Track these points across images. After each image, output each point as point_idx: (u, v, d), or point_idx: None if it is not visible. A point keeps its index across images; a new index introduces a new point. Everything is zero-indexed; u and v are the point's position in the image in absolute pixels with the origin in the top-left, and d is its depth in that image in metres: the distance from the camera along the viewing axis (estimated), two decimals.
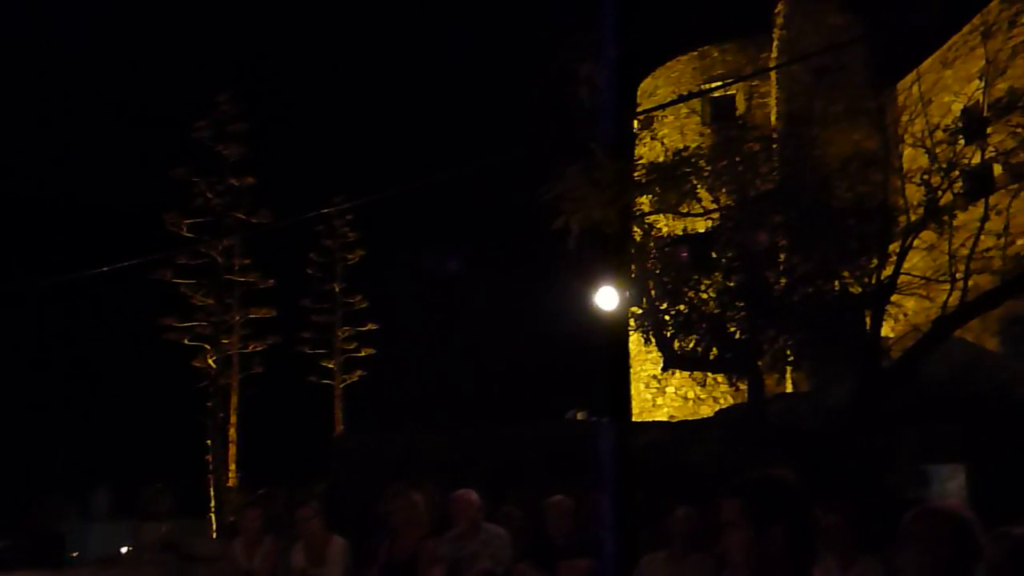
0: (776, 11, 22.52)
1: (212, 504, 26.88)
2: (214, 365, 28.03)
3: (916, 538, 2.65)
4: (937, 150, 10.59)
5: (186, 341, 27.75)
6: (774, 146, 12.86)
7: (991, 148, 11.25)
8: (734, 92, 23.50)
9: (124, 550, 24.84)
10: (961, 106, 13.16)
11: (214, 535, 25.02)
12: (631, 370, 26.07)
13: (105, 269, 8.60)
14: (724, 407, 14.99)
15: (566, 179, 8.42)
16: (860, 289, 10.70)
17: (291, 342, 30.33)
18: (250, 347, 28.71)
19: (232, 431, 28.09)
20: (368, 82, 60.24)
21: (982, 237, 10.64)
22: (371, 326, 31.63)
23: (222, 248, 28.02)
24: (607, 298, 7.92)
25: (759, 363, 10.84)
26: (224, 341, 28.25)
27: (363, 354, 31.77)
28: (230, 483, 27.21)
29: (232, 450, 27.91)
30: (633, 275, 10.11)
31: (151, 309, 27.29)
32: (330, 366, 31.63)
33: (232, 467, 27.79)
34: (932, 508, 2.73)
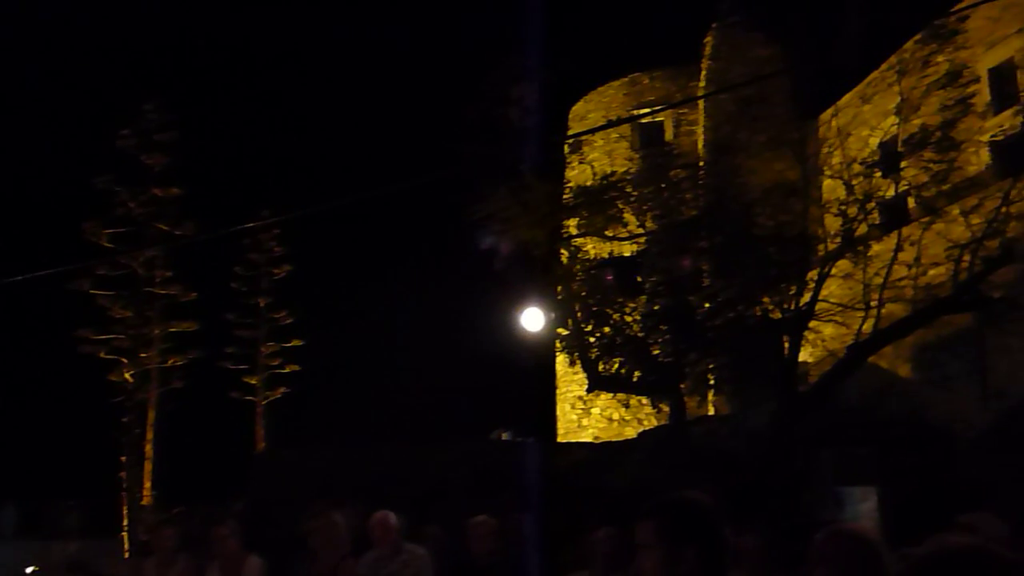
0: (705, 41, 23.10)
1: (125, 523, 26.08)
2: (131, 379, 27.28)
3: (825, 559, 2.74)
4: (854, 182, 10.97)
5: (102, 354, 26.96)
6: (700, 173, 13.15)
7: (905, 182, 11.70)
8: (663, 119, 23.97)
9: (30, 570, 23.89)
10: (878, 141, 13.66)
11: (126, 555, 24.26)
12: (557, 391, 26.20)
13: (20, 278, 8.32)
14: (647, 429, 15.17)
15: (496, 200, 8.47)
16: (780, 315, 10.99)
17: (213, 357, 29.71)
18: (170, 361, 28.03)
19: (148, 447, 27.34)
20: (299, 96, 59.68)
21: (895, 267, 11.05)
22: (296, 342, 31.18)
23: (143, 260, 27.36)
24: (533, 319, 7.98)
25: (681, 386, 11.02)
26: (143, 355, 27.53)
27: (287, 371, 31.29)
28: (145, 501, 26.45)
29: (148, 467, 27.15)
30: (560, 297, 10.20)
31: (67, 320, 26.46)
32: (253, 382, 31.05)
33: (147, 485, 27.02)
34: (840, 530, 2.82)
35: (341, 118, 57.18)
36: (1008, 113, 14.28)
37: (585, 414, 24.19)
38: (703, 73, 23.22)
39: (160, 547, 6.63)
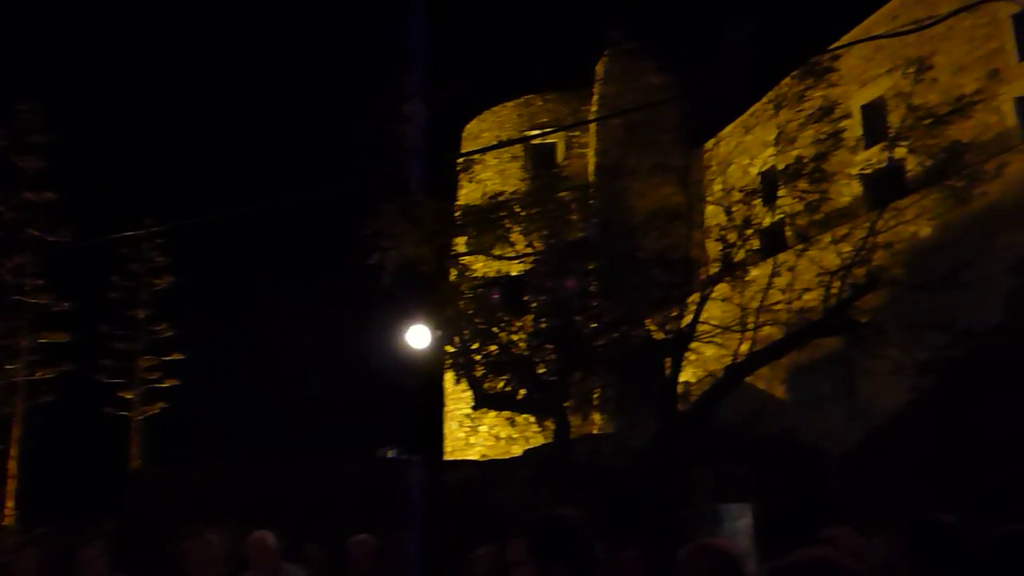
0: (598, 66, 23.62)
1: None
2: None
3: (691, 573, 2.82)
4: (734, 209, 11.39)
5: None
6: (590, 195, 13.39)
7: (781, 210, 12.22)
8: (555, 141, 24.34)
9: None
10: (757, 170, 14.22)
11: None
12: (445, 409, 26.05)
13: None
14: (533, 447, 15.30)
15: (385, 216, 8.43)
16: (663, 336, 11.28)
17: (87, 370, 28.44)
18: (38, 374, 26.68)
19: (12, 464, 25.92)
20: (187, 104, 58.00)
21: (771, 291, 11.51)
22: (176, 356, 30.15)
23: (12, 266, 26.03)
24: (418, 336, 7.96)
25: (566, 404, 11.16)
26: (8, 366, 26.13)
27: (166, 385, 30.20)
28: (7, 521, 25.03)
29: (11, 485, 25.72)
30: (447, 315, 10.22)
31: None
32: (128, 397, 29.85)
33: (10, 504, 25.59)
34: (703, 545, 2.92)
35: (231, 128, 55.89)
36: (877, 148, 15.09)
37: (473, 432, 24.20)
38: (595, 97, 23.74)
39: (21, 570, 6.29)
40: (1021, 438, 7.22)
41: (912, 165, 12.81)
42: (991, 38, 17.75)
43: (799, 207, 11.73)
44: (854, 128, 18.50)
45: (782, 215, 12.36)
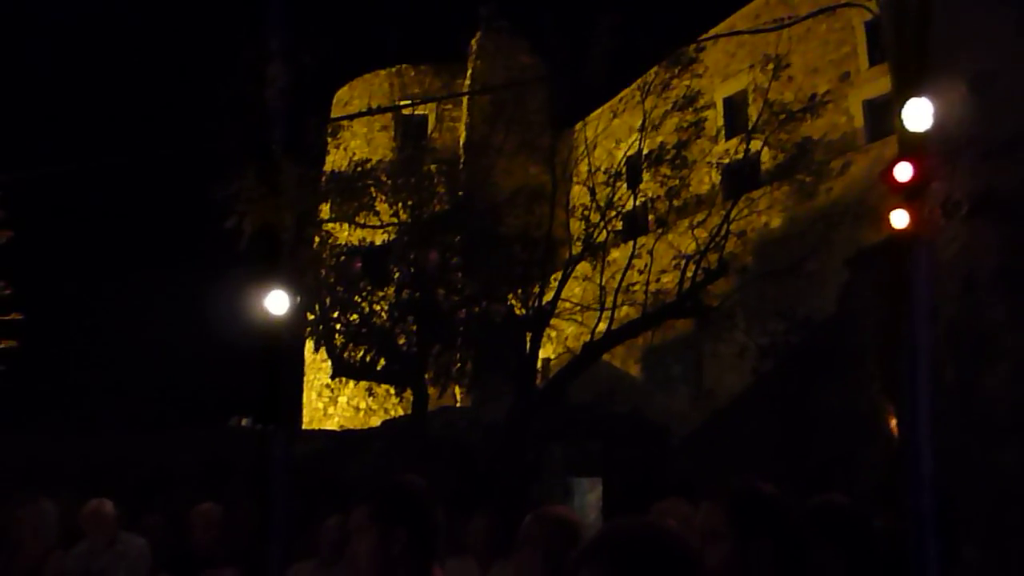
0: (473, 41, 23.56)
1: None
2: None
3: (530, 539, 2.91)
4: (598, 191, 11.63)
5: None
6: (461, 168, 13.40)
7: (643, 194, 12.57)
8: (427, 113, 24.18)
9: None
10: (623, 154, 14.57)
11: None
12: (305, 378, 25.55)
13: None
14: (390, 419, 15.26)
15: (242, 179, 8.18)
16: (524, 312, 11.44)
17: None
18: None
19: None
20: (36, 50, 54.34)
21: (630, 273, 11.85)
22: (15, 316, 28.40)
23: None
24: (277, 302, 7.75)
25: (425, 376, 11.19)
26: None
27: (2, 346, 28.44)
28: None
29: None
30: (308, 281, 10.04)
31: None
32: None
33: None
34: (544, 513, 3.00)
35: (85, 75, 52.78)
36: (736, 140, 15.71)
37: (332, 403, 23.92)
38: (469, 72, 23.67)
39: None
40: (845, 421, 7.74)
41: (767, 158, 13.41)
42: (844, 43, 18.75)
43: (660, 192, 12.08)
44: (716, 119, 19.21)
45: (644, 199, 12.71)
